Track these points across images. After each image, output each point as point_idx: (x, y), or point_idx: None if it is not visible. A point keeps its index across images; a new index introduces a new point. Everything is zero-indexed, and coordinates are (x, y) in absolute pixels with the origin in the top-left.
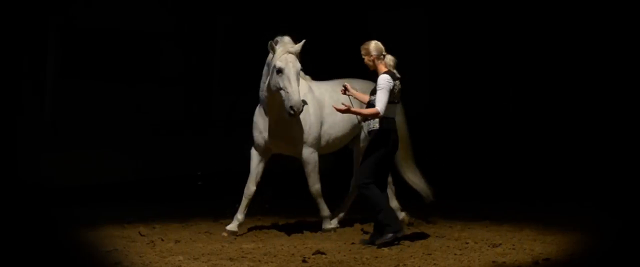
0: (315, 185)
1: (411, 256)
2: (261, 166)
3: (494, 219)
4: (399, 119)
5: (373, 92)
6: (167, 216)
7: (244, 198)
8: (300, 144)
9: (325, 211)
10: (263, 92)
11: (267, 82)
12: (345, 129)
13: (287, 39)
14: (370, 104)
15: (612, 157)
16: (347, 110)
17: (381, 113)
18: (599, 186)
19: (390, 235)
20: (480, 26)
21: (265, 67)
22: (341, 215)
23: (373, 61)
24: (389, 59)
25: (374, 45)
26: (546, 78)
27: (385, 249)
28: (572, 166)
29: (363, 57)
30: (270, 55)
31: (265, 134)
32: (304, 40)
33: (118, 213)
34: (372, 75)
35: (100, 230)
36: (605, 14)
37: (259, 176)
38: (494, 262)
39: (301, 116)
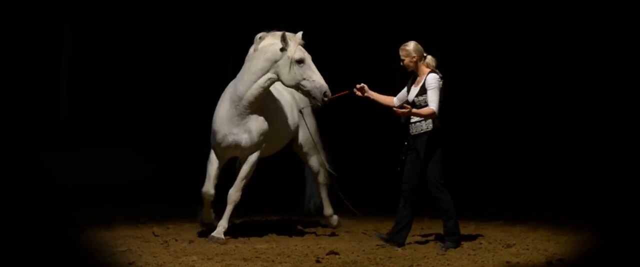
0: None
1: (425, 256)
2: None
3: (508, 219)
4: None
5: (422, 92)
6: (181, 216)
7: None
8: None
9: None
10: (253, 89)
11: (267, 77)
12: (286, 132)
13: (278, 33)
14: (411, 104)
15: (625, 156)
16: (408, 112)
17: (437, 112)
18: (612, 186)
19: (452, 243)
20: (493, 27)
21: (252, 64)
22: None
23: (415, 62)
24: (430, 59)
25: (414, 46)
26: (560, 78)
27: (399, 250)
28: (585, 165)
29: (403, 58)
30: (253, 50)
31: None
32: (301, 31)
33: (132, 213)
34: (405, 76)
35: (114, 230)
36: (619, 10)
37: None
38: (507, 262)
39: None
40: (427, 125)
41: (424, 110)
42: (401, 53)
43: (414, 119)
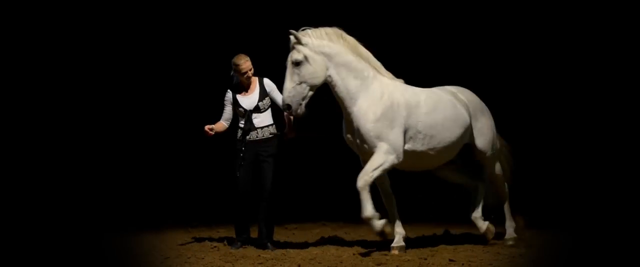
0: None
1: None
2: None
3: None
4: None
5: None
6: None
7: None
8: None
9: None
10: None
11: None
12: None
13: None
14: None
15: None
16: (291, 128)
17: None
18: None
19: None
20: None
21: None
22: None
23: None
24: None
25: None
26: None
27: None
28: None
29: (250, 69)
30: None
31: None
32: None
33: (184, 217)
34: None
35: (165, 234)
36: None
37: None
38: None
39: None
40: (273, 129)
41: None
42: (247, 65)
43: (260, 124)
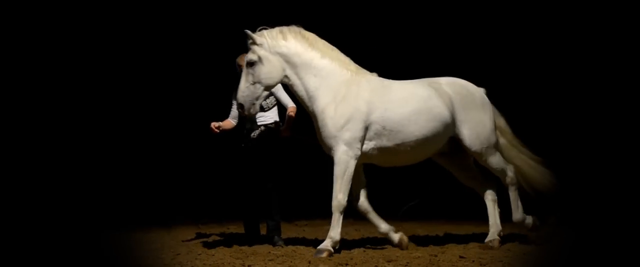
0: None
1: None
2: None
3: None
4: None
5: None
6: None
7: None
8: None
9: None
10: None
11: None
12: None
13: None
14: None
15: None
16: (287, 127)
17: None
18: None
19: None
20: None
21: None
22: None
23: None
24: None
25: None
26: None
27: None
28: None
29: None
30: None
31: None
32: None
33: (194, 214)
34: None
35: (175, 230)
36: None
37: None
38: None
39: None
40: (279, 127)
41: (292, 112)
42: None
43: (264, 122)
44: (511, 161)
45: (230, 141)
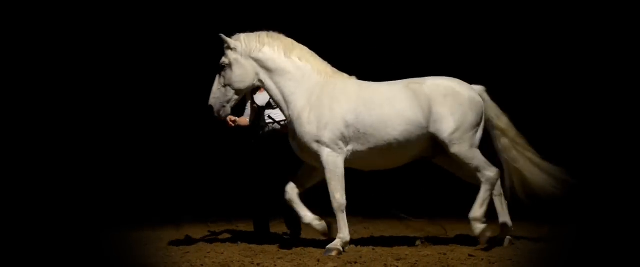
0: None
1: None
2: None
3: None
4: None
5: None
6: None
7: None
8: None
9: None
10: None
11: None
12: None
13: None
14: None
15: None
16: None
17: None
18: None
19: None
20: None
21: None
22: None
23: None
24: None
25: None
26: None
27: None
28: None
29: None
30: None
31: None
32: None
33: (204, 212)
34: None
35: (184, 228)
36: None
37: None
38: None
39: None
40: (282, 121)
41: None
42: None
43: (273, 117)
44: (512, 163)
45: (240, 138)
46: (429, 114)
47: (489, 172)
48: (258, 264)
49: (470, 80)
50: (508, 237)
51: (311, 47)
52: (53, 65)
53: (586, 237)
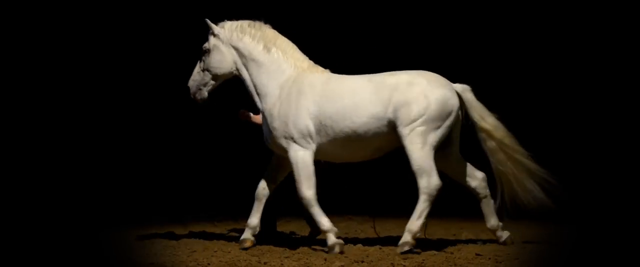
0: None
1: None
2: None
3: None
4: None
5: None
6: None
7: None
8: None
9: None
10: None
11: None
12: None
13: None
14: None
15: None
16: None
17: None
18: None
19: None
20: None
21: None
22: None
23: None
24: None
25: None
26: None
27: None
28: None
29: None
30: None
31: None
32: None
33: (209, 210)
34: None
35: (191, 227)
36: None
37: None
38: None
39: None
40: None
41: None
42: None
43: None
44: (499, 166)
45: (250, 136)
46: (389, 104)
47: (429, 182)
48: (265, 263)
49: (468, 80)
50: (508, 235)
51: (304, 42)
52: (53, 65)
53: (589, 236)
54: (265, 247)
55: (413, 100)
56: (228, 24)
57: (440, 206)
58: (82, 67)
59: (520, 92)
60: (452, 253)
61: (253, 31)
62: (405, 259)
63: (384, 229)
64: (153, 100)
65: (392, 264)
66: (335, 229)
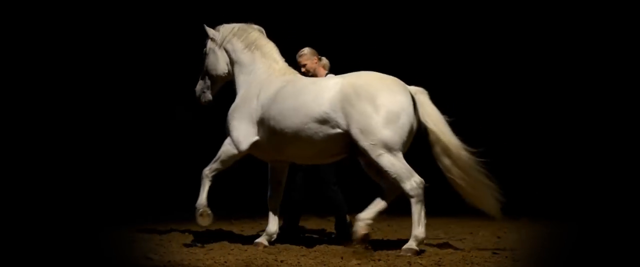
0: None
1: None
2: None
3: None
4: None
5: None
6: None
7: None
8: None
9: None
10: None
11: None
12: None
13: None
14: None
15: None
16: None
17: None
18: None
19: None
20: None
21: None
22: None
23: (315, 64)
24: (325, 61)
25: (310, 51)
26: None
27: None
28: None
29: (304, 64)
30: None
31: None
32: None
33: (227, 208)
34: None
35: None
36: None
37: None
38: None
39: None
40: None
41: None
42: (301, 60)
43: None
44: (445, 172)
45: None
46: (340, 111)
47: (411, 183)
48: (282, 261)
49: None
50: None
51: (305, 43)
52: (53, 65)
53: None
54: (281, 246)
55: (364, 113)
56: (223, 27)
57: (456, 205)
58: (82, 68)
59: (519, 93)
60: (469, 251)
61: (241, 33)
62: (422, 257)
63: (402, 227)
64: (160, 98)
65: (408, 262)
66: (204, 204)
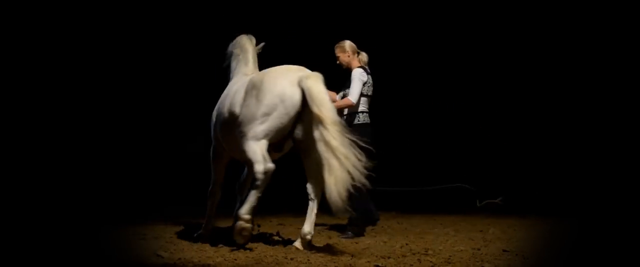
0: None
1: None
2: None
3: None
4: None
5: (348, 85)
6: (292, 211)
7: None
8: None
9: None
10: None
11: None
12: None
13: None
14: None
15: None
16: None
17: (353, 103)
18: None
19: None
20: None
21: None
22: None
23: (348, 58)
24: (364, 55)
25: (350, 44)
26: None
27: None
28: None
29: (338, 55)
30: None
31: None
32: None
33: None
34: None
35: (218, 222)
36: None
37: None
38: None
39: None
40: (357, 118)
41: (341, 101)
42: (336, 51)
43: (345, 111)
44: (313, 143)
45: None
46: (242, 102)
47: (257, 166)
48: (291, 259)
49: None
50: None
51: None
52: (53, 65)
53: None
54: (291, 243)
55: (242, 101)
56: (238, 37)
57: (466, 203)
58: (82, 68)
59: (520, 93)
60: (479, 249)
61: (237, 42)
62: (432, 255)
63: (411, 225)
64: (171, 95)
65: (418, 260)
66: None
